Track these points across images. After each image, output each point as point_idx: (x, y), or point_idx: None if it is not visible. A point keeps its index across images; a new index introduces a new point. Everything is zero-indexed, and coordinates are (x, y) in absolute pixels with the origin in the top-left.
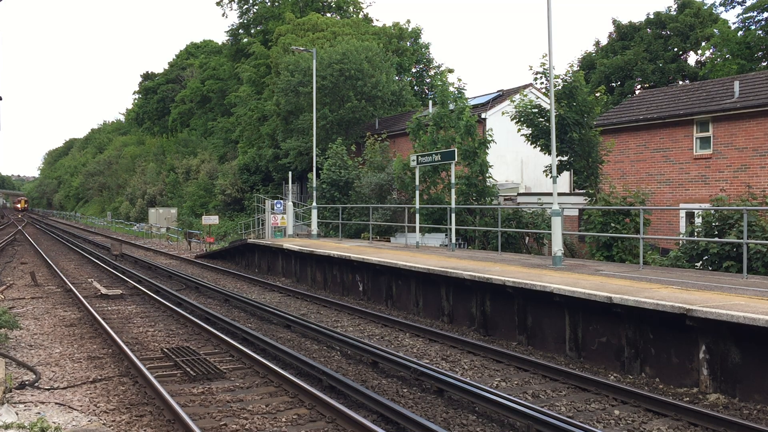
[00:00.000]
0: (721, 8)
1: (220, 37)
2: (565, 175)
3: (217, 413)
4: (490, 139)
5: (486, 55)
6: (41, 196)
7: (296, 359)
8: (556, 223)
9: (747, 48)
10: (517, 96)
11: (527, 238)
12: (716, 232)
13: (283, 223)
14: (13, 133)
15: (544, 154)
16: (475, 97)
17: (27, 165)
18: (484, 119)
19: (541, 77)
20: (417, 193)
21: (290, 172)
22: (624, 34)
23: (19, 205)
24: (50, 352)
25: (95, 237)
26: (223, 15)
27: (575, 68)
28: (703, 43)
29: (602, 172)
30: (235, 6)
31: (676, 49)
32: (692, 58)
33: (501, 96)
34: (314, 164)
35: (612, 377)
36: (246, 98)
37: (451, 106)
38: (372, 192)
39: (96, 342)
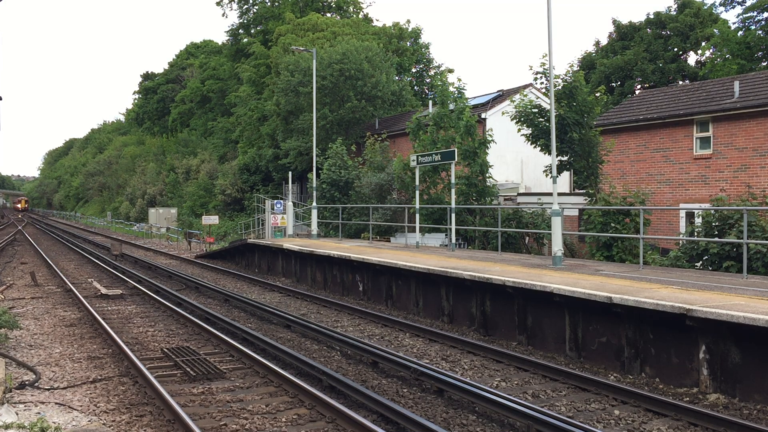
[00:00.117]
0: (721, 8)
1: (220, 37)
2: (565, 175)
3: (217, 413)
4: (490, 139)
5: (486, 55)
6: (41, 196)
7: (296, 359)
8: (556, 223)
9: (747, 48)
10: (517, 96)
11: (527, 238)
12: (716, 232)
13: (283, 223)
14: (13, 133)
15: (544, 154)
16: (475, 97)
17: (27, 165)
18: (484, 119)
19: (541, 77)
20: (417, 193)
21: (290, 172)
22: (624, 34)
23: (19, 205)
24: (50, 352)
25: (95, 237)
26: (223, 15)
27: (575, 68)
28: (703, 43)
29: (602, 172)
30: (235, 6)
31: (676, 49)
32: (692, 58)
33: (501, 96)
34: (314, 164)
35: (612, 377)
36: (246, 98)
37: (451, 106)
38: (372, 192)
39: (96, 342)
